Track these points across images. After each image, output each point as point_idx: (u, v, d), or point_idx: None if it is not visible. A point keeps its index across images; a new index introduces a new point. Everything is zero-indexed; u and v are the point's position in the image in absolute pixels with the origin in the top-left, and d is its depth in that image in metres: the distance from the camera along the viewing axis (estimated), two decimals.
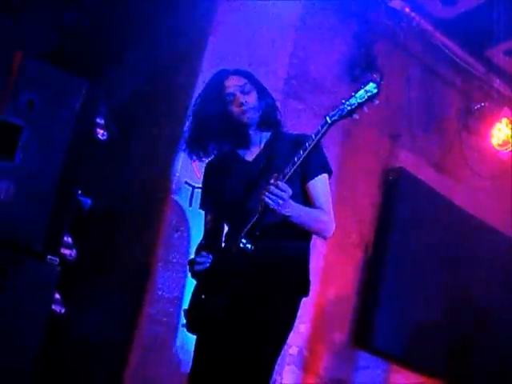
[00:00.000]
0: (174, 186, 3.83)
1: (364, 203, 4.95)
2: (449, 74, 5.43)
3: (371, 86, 2.35)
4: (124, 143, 4.04)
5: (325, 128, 2.40)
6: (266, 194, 2.39)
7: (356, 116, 2.37)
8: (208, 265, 2.60)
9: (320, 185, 2.69)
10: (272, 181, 2.40)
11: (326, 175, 2.71)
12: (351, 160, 4.87)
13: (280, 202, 2.40)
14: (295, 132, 2.82)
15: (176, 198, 3.81)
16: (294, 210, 2.51)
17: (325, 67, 4.72)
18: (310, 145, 2.40)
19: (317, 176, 2.67)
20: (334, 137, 4.66)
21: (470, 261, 5.15)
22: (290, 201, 2.45)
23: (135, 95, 4.14)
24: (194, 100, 2.85)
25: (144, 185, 4.07)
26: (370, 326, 4.70)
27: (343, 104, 2.38)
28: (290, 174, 2.41)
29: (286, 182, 2.41)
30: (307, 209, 2.61)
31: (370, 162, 5.01)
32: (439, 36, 5.17)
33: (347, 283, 4.80)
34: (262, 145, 2.74)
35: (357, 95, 2.37)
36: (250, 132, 2.72)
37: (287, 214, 2.48)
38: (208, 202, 2.85)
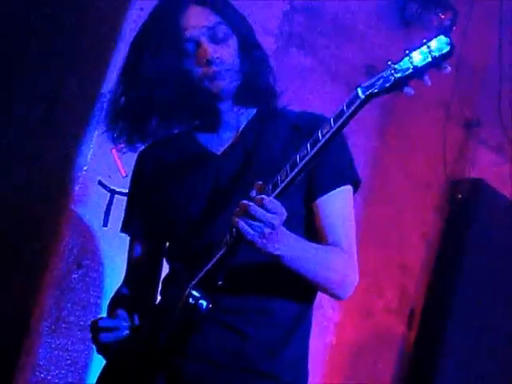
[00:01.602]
0: (77, 189, 3.84)
1: (411, 236, 5.00)
2: None
3: (440, 41, 2.20)
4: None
5: (353, 107, 2.26)
6: (241, 216, 2.30)
7: (410, 90, 2.23)
8: (125, 333, 2.58)
9: (338, 204, 2.64)
10: (253, 193, 2.33)
11: (348, 188, 2.66)
12: (395, 164, 4.97)
13: (265, 231, 2.31)
14: (298, 110, 2.79)
15: (79, 210, 3.83)
16: (289, 247, 2.42)
17: None
18: (325, 135, 2.30)
19: (333, 189, 2.61)
20: (367, 124, 4.73)
21: None
22: (283, 229, 2.37)
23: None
24: (126, 45, 2.87)
25: (30, 185, 4.11)
26: None
27: (388, 69, 2.24)
28: (285, 183, 2.34)
29: (277, 198, 2.33)
30: (312, 245, 2.53)
31: (426, 168, 5.08)
32: None
33: (377, 379, 4.86)
34: (241, 129, 2.76)
35: (412, 55, 2.22)
36: (222, 108, 2.71)
37: (276, 252, 2.37)
38: (138, 222, 2.84)
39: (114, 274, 3.39)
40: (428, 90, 4.87)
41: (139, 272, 2.86)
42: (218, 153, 2.75)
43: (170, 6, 2.77)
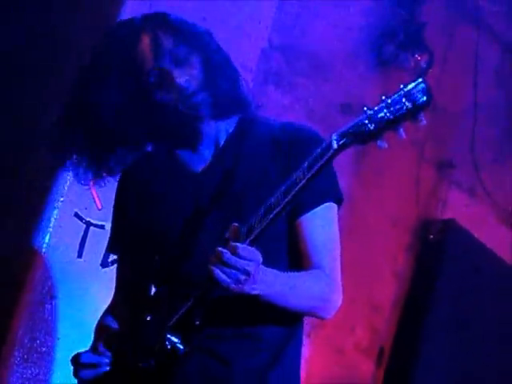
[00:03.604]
0: (53, 220, 3.81)
1: (383, 275, 5.01)
2: None
3: (417, 89, 2.19)
4: None
5: (326, 157, 2.32)
6: (216, 264, 2.32)
7: (383, 144, 2.26)
8: (106, 370, 2.57)
9: (321, 223, 2.62)
10: (228, 235, 2.36)
11: (331, 205, 2.67)
12: (368, 202, 4.97)
13: (241, 278, 2.33)
14: (280, 121, 2.80)
15: (54, 241, 3.77)
16: (267, 285, 2.43)
17: (330, 36, 4.78)
18: (298, 183, 2.33)
19: (316, 207, 2.61)
20: (341, 162, 4.66)
21: None
22: (260, 269, 2.37)
23: None
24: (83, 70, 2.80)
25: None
26: None
27: (364, 117, 2.26)
28: (260, 230, 2.36)
29: (252, 243, 2.37)
30: (292, 277, 2.52)
31: (398, 208, 5.10)
32: None
33: None
34: (221, 145, 2.74)
35: (389, 103, 2.23)
36: (200, 126, 2.70)
37: (253, 292, 2.39)
38: (122, 242, 2.85)
39: (88, 306, 3.33)
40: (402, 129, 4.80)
41: (124, 297, 2.84)
42: (198, 171, 2.74)
43: (122, 39, 2.73)
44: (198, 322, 2.44)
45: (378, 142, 2.26)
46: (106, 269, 3.72)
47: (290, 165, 2.54)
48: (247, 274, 2.33)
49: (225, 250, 2.31)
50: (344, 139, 2.29)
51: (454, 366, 5.03)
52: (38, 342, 3.76)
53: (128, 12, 3.87)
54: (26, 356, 3.74)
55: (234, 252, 2.30)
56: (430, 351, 4.93)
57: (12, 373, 3.72)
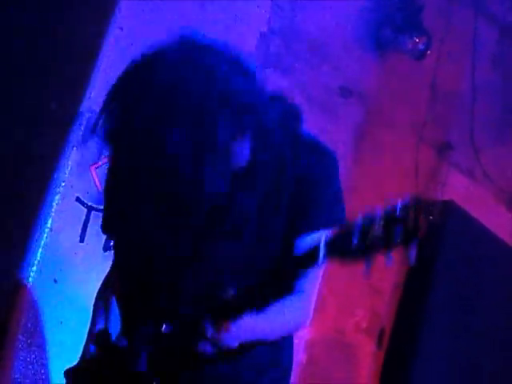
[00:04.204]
0: (54, 205, 3.81)
1: (382, 258, 4.58)
2: None
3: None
4: None
5: (312, 263, 2.27)
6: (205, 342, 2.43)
7: (368, 268, 2.15)
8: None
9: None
10: (210, 330, 2.41)
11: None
12: (369, 186, 4.93)
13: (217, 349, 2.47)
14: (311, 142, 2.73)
15: (56, 225, 3.79)
16: (240, 337, 2.48)
17: (330, 20, 4.78)
18: None
19: (317, 231, 2.54)
20: (342, 148, 4.75)
21: None
22: (232, 330, 2.43)
23: None
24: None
25: None
26: None
27: (358, 227, 2.16)
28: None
29: None
30: (263, 319, 2.51)
31: (398, 190, 4.94)
32: None
33: None
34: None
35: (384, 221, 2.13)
36: None
37: (231, 347, 2.49)
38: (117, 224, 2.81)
39: (91, 290, 3.33)
40: (401, 113, 4.69)
41: (116, 282, 2.82)
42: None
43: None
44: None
45: (366, 263, 2.18)
46: (108, 252, 3.73)
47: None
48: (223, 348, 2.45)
49: (206, 342, 2.40)
50: (332, 251, 2.25)
51: (454, 347, 5.08)
52: (42, 326, 3.78)
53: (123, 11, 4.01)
54: (29, 340, 3.77)
55: (214, 343, 2.39)
56: (430, 332, 4.96)
57: (16, 357, 3.75)
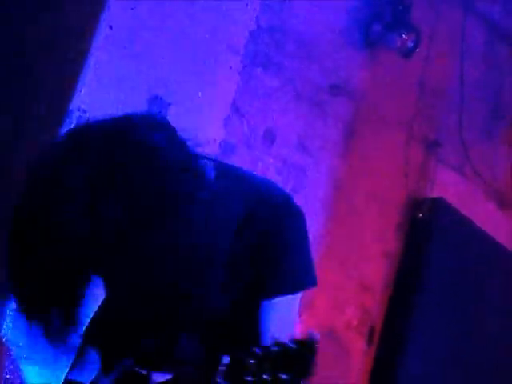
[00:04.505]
0: None
1: (373, 255, 5.03)
2: None
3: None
4: None
5: None
6: None
7: None
8: None
9: (283, 313, 2.48)
10: None
11: (298, 295, 2.53)
12: (357, 183, 5.00)
13: None
14: (258, 180, 2.59)
15: None
16: None
17: (319, 17, 4.78)
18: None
19: (284, 295, 2.46)
20: (331, 145, 4.83)
21: None
22: None
23: None
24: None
25: None
26: None
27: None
28: None
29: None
30: None
31: (387, 187, 5.11)
32: None
33: None
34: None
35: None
36: None
37: None
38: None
39: None
40: (390, 110, 4.74)
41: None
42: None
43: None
44: None
45: None
46: None
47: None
48: None
49: None
50: None
51: (444, 343, 5.11)
52: None
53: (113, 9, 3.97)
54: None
55: None
56: (421, 329, 4.99)
57: (6, 356, 3.65)
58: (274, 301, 2.44)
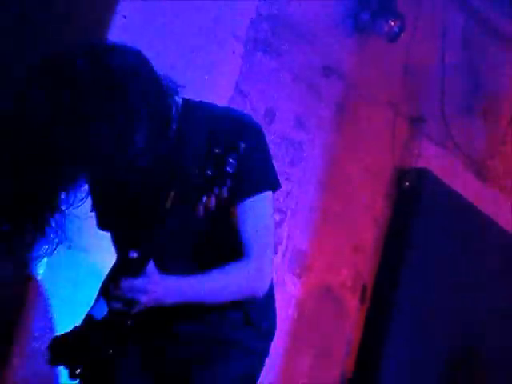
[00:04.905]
0: None
1: (364, 220, 5.14)
2: (510, 29, 5.71)
3: None
4: None
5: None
6: (111, 301, 2.44)
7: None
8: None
9: (251, 211, 2.63)
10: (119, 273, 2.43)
11: (268, 193, 2.67)
12: (347, 153, 5.06)
13: (134, 302, 2.41)
14: (220, 108, 2.73)
15: None
16: (175, 295, 2.53)
17: (313, 6, 4.83)
18: None
19: (250, 196, 2.60)
20: (324, 122, 4.88)
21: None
22: (161, 284, 2.47)
23: None
24: None
25: None
26: None
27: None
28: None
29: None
30: (198, 281, 2.60)
31: (377, 160, 5.19)
32: None
33: (332, 345, 5.01)
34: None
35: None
36: None
37: (166, 302, 2.51)
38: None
39: (103, 255, 3.14)
40: (378, 90, 4.90)
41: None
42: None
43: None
44: (129, 322, 2.50)
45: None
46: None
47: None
48: (136, 300, 2.41)
49: (113, 290, 2.42)
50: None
51: (430, 298, 5.19)
52: (57, 288, 3.74)
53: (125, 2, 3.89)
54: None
55: (118, 287, 2.40)
56: (408, 287, 5.07)
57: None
58: (245, 202, 2.59)
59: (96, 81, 2.35)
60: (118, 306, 2.41)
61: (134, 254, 2.41)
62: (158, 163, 2.55)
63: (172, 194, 2.44)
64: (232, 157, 2.38)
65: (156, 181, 2.59)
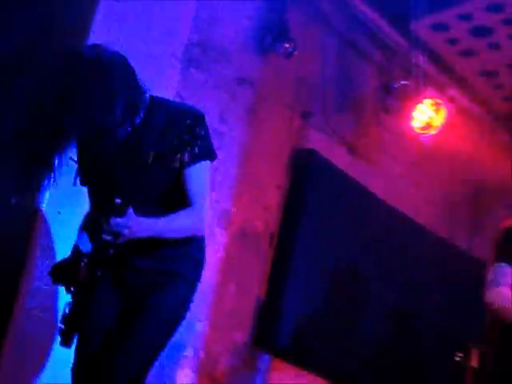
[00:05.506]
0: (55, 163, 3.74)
1: (270, 187, 5.33)
2: (369, 48, 5.82)
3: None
4: None
5: None
6: (104, 232, 2.62)
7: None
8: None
9: (196, 174, 2.86)
10: (110, 210, 2.62)
11: (207, 162, 2.90)
12: (257, 139, 5.20)
13: (120, 235, 2.63)
14: (175, 103, 3.03)
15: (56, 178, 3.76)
16: (146, 231, 2.72)
17: (231, 33, 5.02)
18: None
19: (194, 164, 2.82)
20: (239, 113, 5.05)
21: (386, 251, 5.70)
22: (138, 222, 2.65)
23: None
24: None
25: None
26: (273, 325, 5.08)
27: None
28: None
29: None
30: (166, 222, 2.79)
31: (279, 143, 5.37)
32: (359, 4, 5.53)
33: (250, 277, 5.17)
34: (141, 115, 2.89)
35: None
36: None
37: (138, 236, 2.71)
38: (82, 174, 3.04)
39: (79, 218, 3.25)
40: (279, 95, 5.38)
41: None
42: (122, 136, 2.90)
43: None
44: (111, 252, 2.65)
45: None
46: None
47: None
48: (122, 233, 2.61)
49: (105, 226, 2.60)
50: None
51: (321, 243, 5.41)
52: (49, 252, 3.73)
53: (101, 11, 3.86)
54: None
55: (108, 224, 2.61)
56: (304, 235, 5.34)
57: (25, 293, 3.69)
58: (191, 168, 2.81)
59: (95, 66, 2.70)
60: (109, 238, 2.59)
61: (119, 201, 2.58)
62: (134, 132, 2.78)
63: (152, 153, 2.65)
64: (192, 129, 2.61)
65: (137, 145, 2.78)
